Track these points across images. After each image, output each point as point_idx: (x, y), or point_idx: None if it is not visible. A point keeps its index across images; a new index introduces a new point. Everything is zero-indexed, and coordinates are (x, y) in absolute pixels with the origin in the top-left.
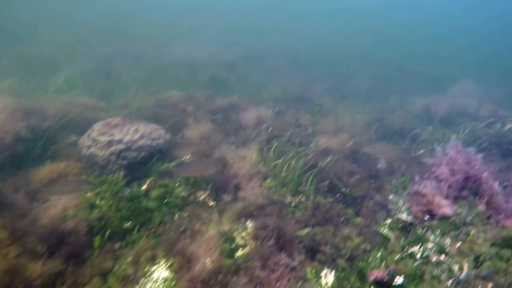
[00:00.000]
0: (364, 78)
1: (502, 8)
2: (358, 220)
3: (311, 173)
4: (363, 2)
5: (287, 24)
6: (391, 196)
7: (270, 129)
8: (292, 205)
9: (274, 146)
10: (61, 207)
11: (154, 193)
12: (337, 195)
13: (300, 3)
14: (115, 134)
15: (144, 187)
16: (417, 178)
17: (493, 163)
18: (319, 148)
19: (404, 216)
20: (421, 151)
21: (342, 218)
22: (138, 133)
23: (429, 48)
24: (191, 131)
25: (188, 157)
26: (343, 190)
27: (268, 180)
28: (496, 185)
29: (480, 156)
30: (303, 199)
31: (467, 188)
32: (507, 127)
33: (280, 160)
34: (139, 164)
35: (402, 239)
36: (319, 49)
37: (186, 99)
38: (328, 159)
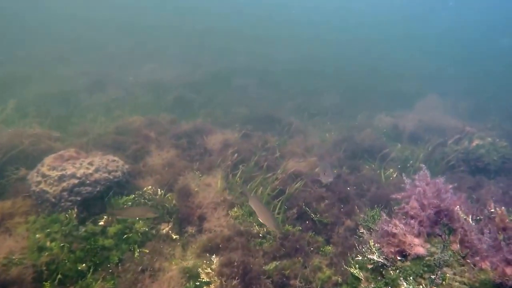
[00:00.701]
0: (333, 94)
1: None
2: (329, 248)
3: (279, 200)
4: (333, 17)
5: (255, 43)
6: (362, 230)
7: (236, 154)
8: (260, 236)
9: (240, 172)
10: (4, 251)
11: (112, 230)
12: (307, 222)
13: (266, 21)
14: (68, 168)
15: (100, 223)
16: (385, 216)
17: (463, 183)
18: (287, 173)
19: (375, 257)
20: (390, 170)
21: (312, 247)
22: (93, 166)
23: (398, 63)
24: (153, 158)
25: (149, 187)
26: (312, 216)
27: (235, 209)
28: (468, 221)
29: (450, 187)
30: None
31: (440, 223)
32: (474, 143)
33: (247, 187)
34: (95, 199)
35: (373, 283)
36: (288, 66)
37: (149, 124)
38: (297, 184)
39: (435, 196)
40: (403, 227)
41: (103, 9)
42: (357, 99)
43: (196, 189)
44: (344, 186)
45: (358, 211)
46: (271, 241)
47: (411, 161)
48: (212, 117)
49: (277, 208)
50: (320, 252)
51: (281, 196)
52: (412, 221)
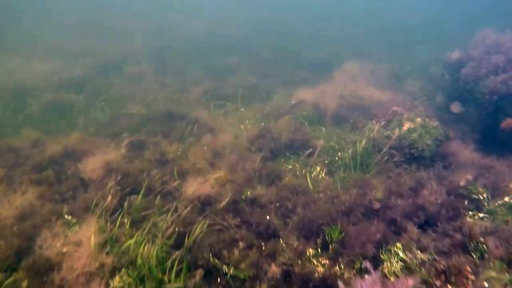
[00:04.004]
0: (245, 71)
1: None
2: None
3: (176, 257)
4: None
5: (149, 20)
6: None
7: (122, 180)
8: None
9: (126, 209)
10: None
11: None
12: (218, 281)
13: None
14: None
15: None
16: None
17: (402, 184)
18: (190, 200)
19: None
20: (317, 169)
21: None
22: None
23: (308, 30)
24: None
25: None
26: (225, 271)
27: (118, 278)
28: None
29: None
30: None
31: None
32: (405, 127)
33: (134, 239)
34: None
35: None
36: (192, 44)
37: None
38: (199, 226)
39: None
40: None
41: None
42: (272, 73)
43: (62, 252)
44: (263, 212)
45: (284, 245)
46: None
47: (339, 153)
48: (95, 126)
49: (174, 270)
50: None
51: (180, 247)
52: None
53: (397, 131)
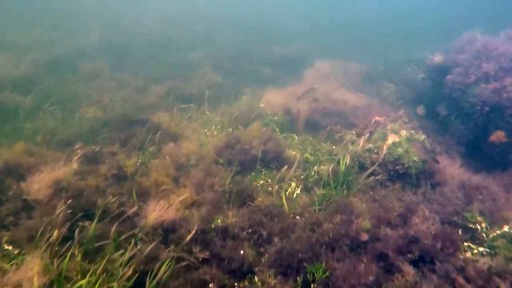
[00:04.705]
0: (208, 69)
1: None
2: None
3: None
4: None
5: (107, 12)
6: None
7: (73, 203)
8: None
9: (79, 235)
10: None
11: None
12: None
13: None
14: None
15: None
16: None
17: (390, 209)
18: (150, 228)
19: None
20: (292, 186)
21: None
22: None
23: (276, 24)
24: None
25: None
26: None
27: None
28: None
29: None
30: None
31: None
32: (390, 140)
33: (86, 279)
34: None
35: None
36: (151, 37)
37: None
38: (164, 265)
39: None
40: None
41: None
42: (238, 70)
43: None
44: (235, 245)
45: (260, 284)
46: None
47: (316, 166)
48: (43, 133)
49: None
50: None
51: (144, 282)
52: None
53: (384, 149)
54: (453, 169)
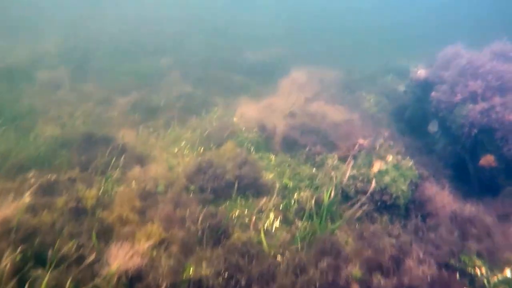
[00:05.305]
0: (178, 77)
1: None
2: None
3: None
4: None
5: (70, 19)
6: None
7: (25, 246)
8: None
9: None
10: None
11: None
12: None
13: None
14: None
15: None
16: None
17: (380, 253)
18: (113, 277)
19: None
20: (271, 218)
21: None
22: None
23: (249, 29)
24: None
25: None
26: None
27: None
28: None
29: None
30: None
31: None
32: (376, 167)
33: None
34: None
35: None
36: (115, 43)
37: None
38: None
39: None
40: None
41: None
42: (209, 78)
43: None
44: None
45: None
46: None
47: (296, 192)
48: None
49: None
50: None
51: None
52: None
53: (372, 181)
54: (442, 196)
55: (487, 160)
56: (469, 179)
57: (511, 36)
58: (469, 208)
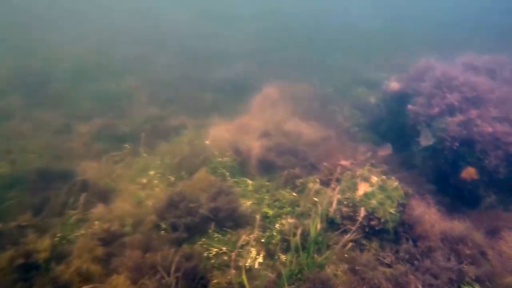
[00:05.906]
0: (144, 98)
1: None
2: None
3: None
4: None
5: (19, 35)
6: None
7: None
8: None
9: None
10: None
11: None
12: None
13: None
14: None
15: None
16: None
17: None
18: None
19: None
20: (252, 253)
21: None
22: None
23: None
24: None
25: None
26: None
27: None
28: None
29: None
30: None
31: None
32: (361, 190)
33: None
34: None
35: None
36: (75, 62)
37: None
38: None
39: None
40: None
41: None
42: (178, 98)
43: None
44: None
45: None
46: None
47: (277, 221)
48: None
49: None
50: None
51: None
52: None
53: (362, 209)
54: (430, 215)
55: (469, 173)
56: (451, 192)
57: (477, 47)
58: (458, 226)
